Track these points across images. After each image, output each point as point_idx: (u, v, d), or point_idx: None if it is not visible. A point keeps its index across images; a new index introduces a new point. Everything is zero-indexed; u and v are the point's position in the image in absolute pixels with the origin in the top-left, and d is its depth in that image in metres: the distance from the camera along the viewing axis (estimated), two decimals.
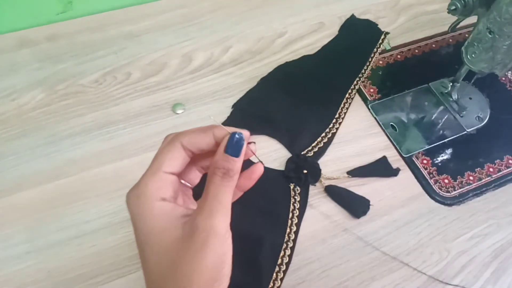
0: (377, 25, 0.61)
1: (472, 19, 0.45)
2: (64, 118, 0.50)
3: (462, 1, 0.43)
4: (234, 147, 0.27)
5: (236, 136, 0.27)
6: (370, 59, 0.56)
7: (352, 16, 0.62)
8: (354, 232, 0.43)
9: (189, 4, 0.63)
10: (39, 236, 0.42)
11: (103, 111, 0.51)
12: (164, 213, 0.27)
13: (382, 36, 0.59)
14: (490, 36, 0.42)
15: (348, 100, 0.53)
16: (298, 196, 0.44)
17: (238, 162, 0.27)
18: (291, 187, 0.45)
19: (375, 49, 0.57)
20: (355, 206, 0.44)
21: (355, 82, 0.54)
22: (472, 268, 0.41)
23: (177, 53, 0.57)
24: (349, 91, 0.53)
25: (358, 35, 0.60)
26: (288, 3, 0.64)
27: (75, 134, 0.49)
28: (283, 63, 0.56)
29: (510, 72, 0.55)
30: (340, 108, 0.52)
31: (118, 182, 0.45)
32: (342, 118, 0.51)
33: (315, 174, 0.45)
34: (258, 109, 0.51)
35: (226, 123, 0.50)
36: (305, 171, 0.45)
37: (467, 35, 0.60)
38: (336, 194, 0.45)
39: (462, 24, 0.47)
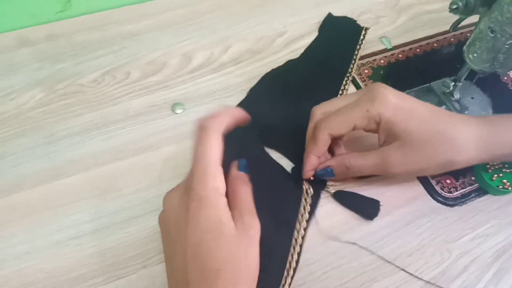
0: (355, 21, 0.60)
1: (474, 18, 0.45)
2: (63, 117, 0.50)
3: (464, 0, 0.43)
4: (243, 168, 0.36)
5: (242, 162, 0.36)
6: (354, 57, 0.56)
7: (329, 14, 0.62)
8: (355, 232, 0.42)
9: (189, 4, 0.63)
10: (39, 236, 0.42)
11: (102, 110, 0.51)
12: (227, 206, 0.31)
13: (363, 32, 0.58)
14: (492, 35, 0.41)
15: None
16: (310, 199, 0.43)
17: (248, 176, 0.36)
18: (305, 188, 0.44)
19: (358, 46, 0.57)
20: (366, 208, 0.44)
21: (344, 82, 0.53)
22: (474, 269, 0.41)
23: (177, 53, 0.57)
24: (340, 92, 0.52)
25: (338, 33, 0.59)
26: (288, 3, 0.64)
27: (74, 134, 0.49)
28: (269, 71, 0.55)
29: None
30: None
31: (118, 182, 0.45)
32: None
33: (321, 181, 0.44)
34: (253, 122, 0.50)
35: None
36: (311, 178, 0.44)
37: (468, 35, 0.59)
38: (346, 199, 0.44)
39: (463, 23, 0.47)
